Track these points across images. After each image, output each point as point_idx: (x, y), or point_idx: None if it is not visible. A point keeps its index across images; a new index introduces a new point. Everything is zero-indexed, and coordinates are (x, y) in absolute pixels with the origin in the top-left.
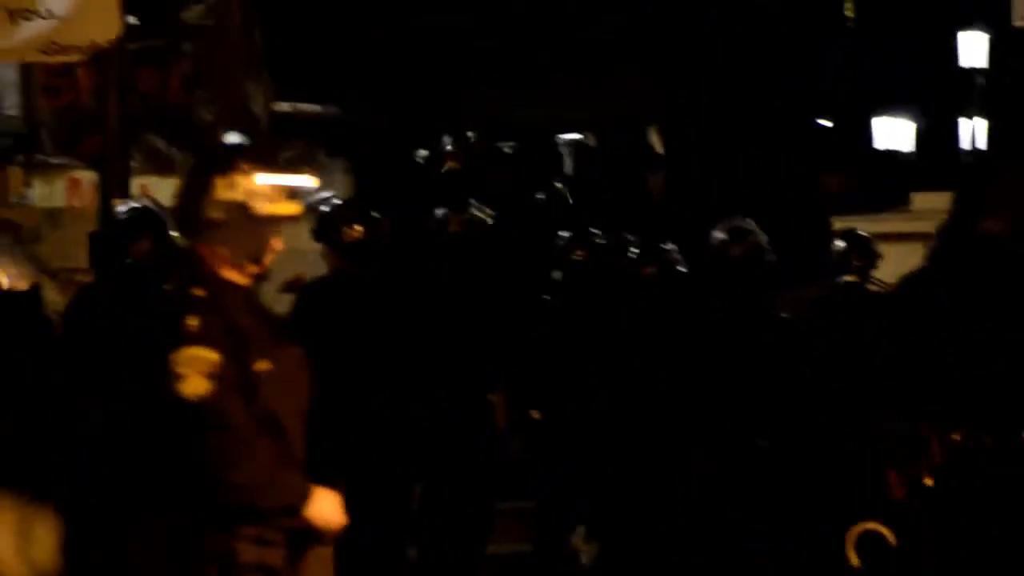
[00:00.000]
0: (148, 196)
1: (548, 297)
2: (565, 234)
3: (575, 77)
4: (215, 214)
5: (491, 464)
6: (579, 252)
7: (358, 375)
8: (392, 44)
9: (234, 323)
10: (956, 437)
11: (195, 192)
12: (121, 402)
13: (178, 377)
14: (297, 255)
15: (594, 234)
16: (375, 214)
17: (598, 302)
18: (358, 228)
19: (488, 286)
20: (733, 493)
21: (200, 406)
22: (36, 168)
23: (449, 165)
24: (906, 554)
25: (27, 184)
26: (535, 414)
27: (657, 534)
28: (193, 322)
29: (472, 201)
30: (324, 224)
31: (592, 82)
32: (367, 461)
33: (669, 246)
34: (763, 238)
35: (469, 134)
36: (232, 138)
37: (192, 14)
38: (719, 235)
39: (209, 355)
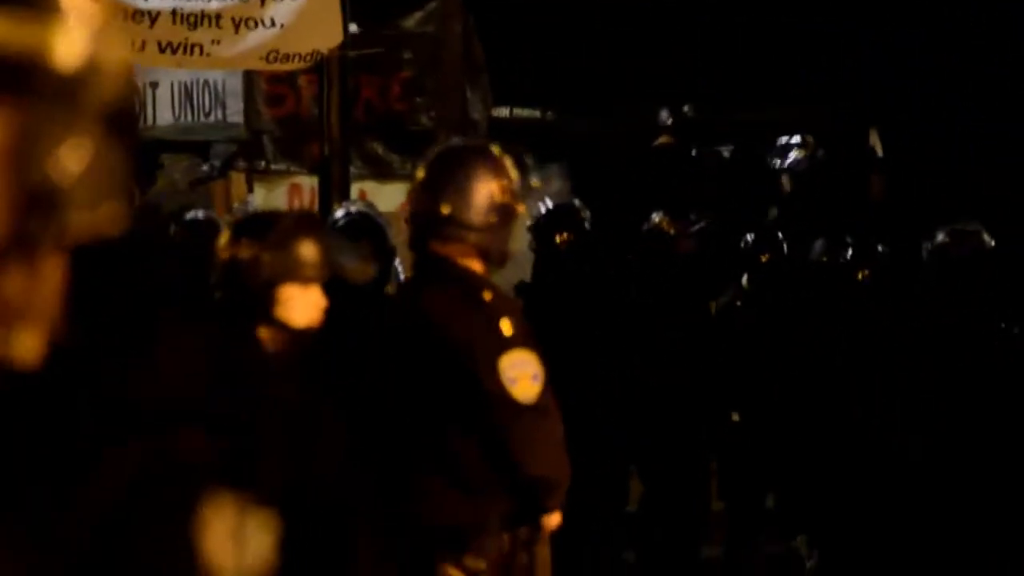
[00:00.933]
0: (366, 200)
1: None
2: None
3: (792, 78)
4: (490, 218)
5: (706, 465)
6: (764, 255)
7: (576, 379)
8: (608, 50)
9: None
10: None
11: (461, 197)
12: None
13: (511, 382)
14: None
15: (779, 237)
16: (585, 220)
17: (790, 303)
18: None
19: (699, 286)
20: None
21: (526, 408)
22: (258, 174)
23: (663, 140)
24: None
25: (249, 190)
26: (735, 416)
27: (875, 536)
28: (507, 325)
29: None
30: (537, 230)
31: (809, 83)
32: (586, 461)
33: (882, 249)
34: (988, 241)
35: (686, 108)
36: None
37: (412, 21)
38: (942, 237)
39: (533, 357)
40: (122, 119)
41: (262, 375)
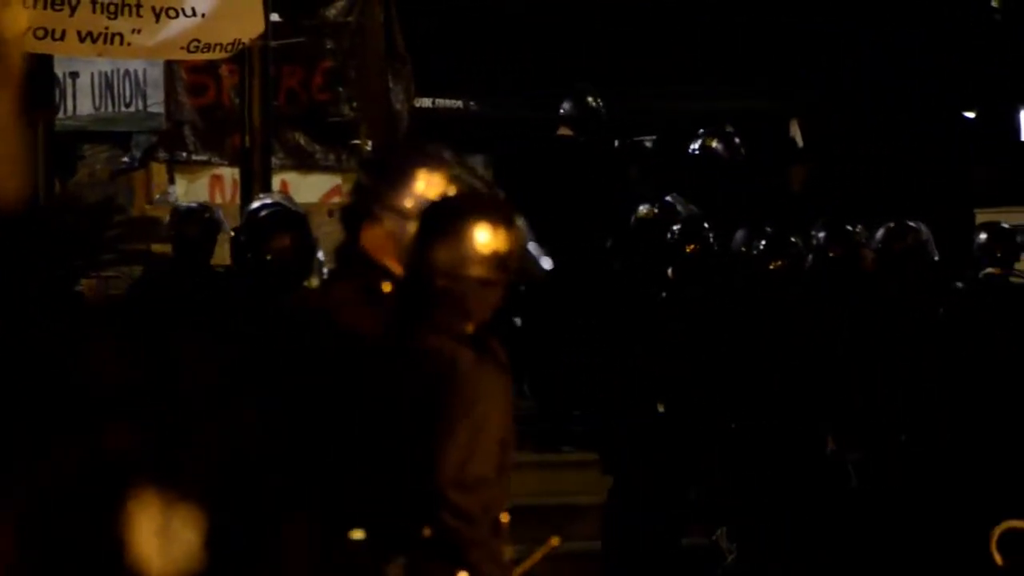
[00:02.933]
0: (283, 193)
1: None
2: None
3: (716, 70)
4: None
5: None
6: (690, 246)
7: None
8: (533, 39)
9: None
10: None
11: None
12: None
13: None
14: None
15: (705, 228)
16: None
17: (715, 295)
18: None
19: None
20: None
21: None
22: (179, 165)
23: (562, 131)
24: None
25: (170, 181)
26: (660, 407)
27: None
28: None
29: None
30: None
31: (732, 75)
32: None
33: (797, 239)
34: (926, 235)
35: (590, 98)
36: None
37: (334, 11)
38: (880, 232)
39: None
40: (33, 97)
41: (190, 371)
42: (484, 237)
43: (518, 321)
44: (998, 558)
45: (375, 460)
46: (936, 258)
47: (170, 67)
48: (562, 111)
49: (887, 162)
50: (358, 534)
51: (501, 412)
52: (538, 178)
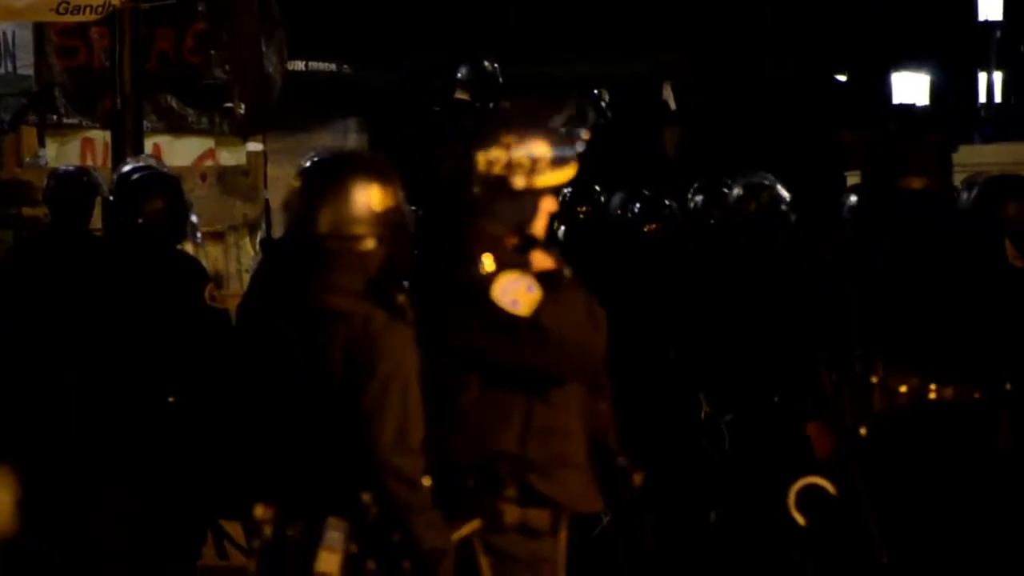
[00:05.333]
0: (155, 156)
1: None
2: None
3: (591, 34)
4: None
5: None
6: (581, 208)
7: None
8: (407, 4)
9: None
10: (904, 386)
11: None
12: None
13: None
14: None
15: (596, 190)
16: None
17: (600, 259)
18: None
19: None
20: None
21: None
22: (50, 128)
23: (459, 95)
24: (847, 506)
25: (41, 144)
26: None
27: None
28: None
29: None
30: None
31: (605, 39)
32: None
33: (671, 202)
34: (781, 193)
35: (486, 63)
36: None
37: None
38: (736, 191)
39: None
40: None
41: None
42: (371, 195)
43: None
44: (799, 518)
45: (287, 428)
46: (792, 219)
47: (40, 29)
48: (459, 76)
49: (758, 124)
50: (259, 510)
51: (417, 371)
52: (414, 142)
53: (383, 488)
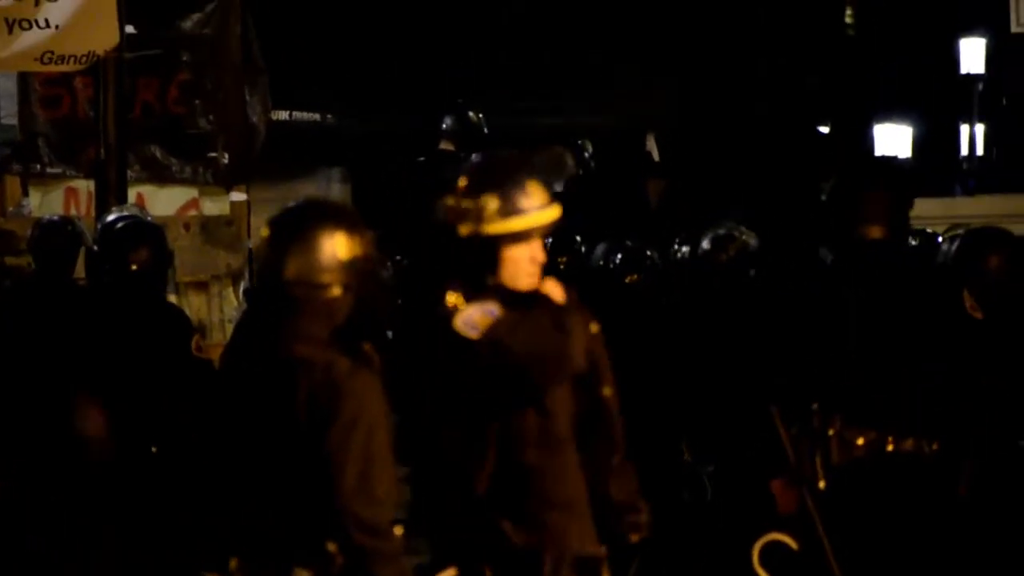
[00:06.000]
0: (139, 206)
1: None
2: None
3: (573, 86)
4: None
5: None
6: (561, 258)
7: None
8: (392, 52)
9: None
10: (861, 438)
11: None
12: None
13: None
14: None
15: (576, 240)
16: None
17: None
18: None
19: None
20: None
21: None
22: (33, 177)
23: (444, 145)
24: (810, 561)
25: (24, 193)
26: None
27: None
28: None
29: None
30: None
31: (590, 90)
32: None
33: (653, 253)
34: (751, 244)
35: (471, 114)
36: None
37: (190, 23)
38: (705, 243)
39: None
40: None
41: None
42: (337, 244)
43: (390, 334)
44: (763, 574)
45: (258, 479)
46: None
47: (24, 78)
48: (444, 126)
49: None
50: (233, 563)
51: (384, 418)
52: (399, 192)
53: (347, 537)
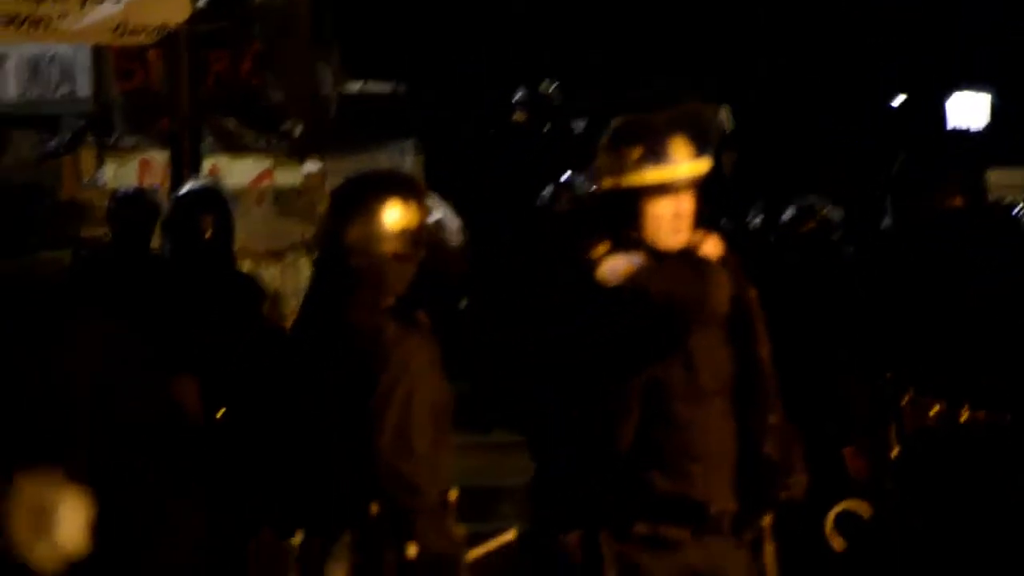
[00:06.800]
0: (213, 177)
1: None
2: None
3: (645, 57)
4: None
5: None
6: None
7: None
8: (463, 21)
9: None
10: (933, 408)
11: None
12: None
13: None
14: None
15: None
16: None
17: None
18: None
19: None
20: None
21: None
22: (108, 149)
23: (517, 116)
24: (883, 529)
25: (99, 165)
26: None
27: None
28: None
29: (575, 174)
30: None
31: (662, 61)
32: None
33: (728, 223)
34: (834, 217)
35: (544, 84)
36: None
37: None
38: (789, 213)
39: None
40: None
41: (72, 348)
42: (393, 214)
43: (463, 303)
44: (836, 543)
45: (314, 444)
46: (841, 240)
47: (98, 52)
48: (517, 97)
49: (813, 148)
50: (298, 538)
51: (431, 381)
52: (471, 162)
53: (385, 494)
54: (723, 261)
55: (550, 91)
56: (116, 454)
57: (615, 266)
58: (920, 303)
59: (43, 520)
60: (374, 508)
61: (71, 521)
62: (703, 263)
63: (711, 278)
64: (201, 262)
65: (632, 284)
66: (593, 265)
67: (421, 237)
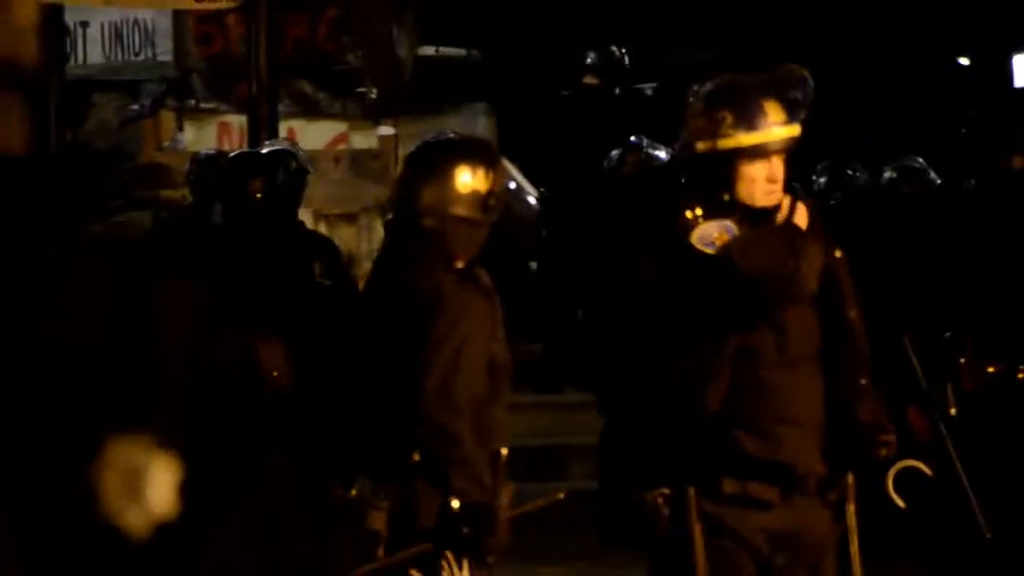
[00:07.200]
0: (290, 140)
1: None
2: None
3: (716, 21)
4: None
5: None
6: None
7: None
8: None
9: None
10: (992, 366)
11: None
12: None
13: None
14: None
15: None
16: None
17: None
18: None
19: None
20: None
21: None
22: (187, 113)
23: (587, 80)
24: (944, 487)
25: (179, 128)
26: None
27: None
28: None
29: (642, 137)
30: None
31: (730, 23)
32: None
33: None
34: (933, 178)
35: (613, 48)
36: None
37: None
38: (890, 174)
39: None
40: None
41: (161, 311)
42: (466, 177)
43: (533, 265)
44: (899, 501)
45: (373, 396)
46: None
47: (178, 16)
48: (588, 61)
49: (882, 109)
50: (354, 491)
51: (486, 335)
52: (544, 127)
53: (423, 443)
54: (811, 228)
55: (620, 54)
56: (205, 415)
57: (708, 232)
58: (978, 263)
59: (134, 483)
60: (415, 456)
61: (161, 484)
62: (795, 239)
63: (802, 255)
64: (253, 225)
65: (725, 254)
66: (686, 228)
67: (493, 202)
